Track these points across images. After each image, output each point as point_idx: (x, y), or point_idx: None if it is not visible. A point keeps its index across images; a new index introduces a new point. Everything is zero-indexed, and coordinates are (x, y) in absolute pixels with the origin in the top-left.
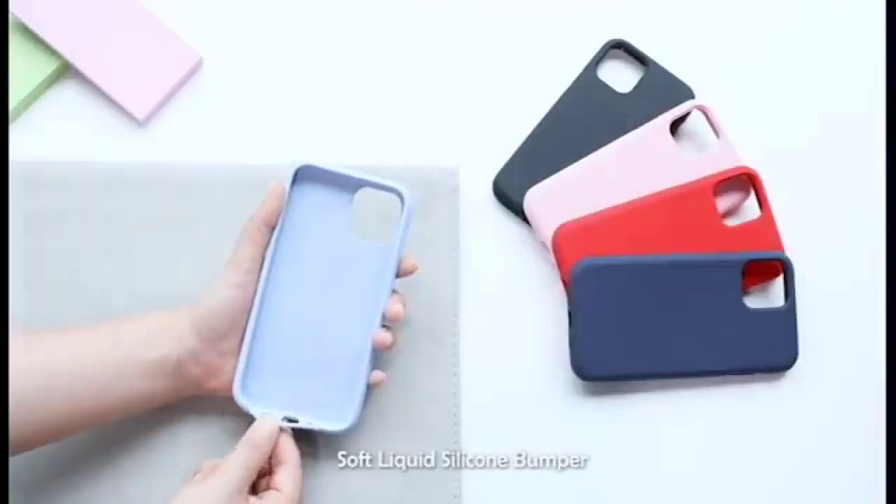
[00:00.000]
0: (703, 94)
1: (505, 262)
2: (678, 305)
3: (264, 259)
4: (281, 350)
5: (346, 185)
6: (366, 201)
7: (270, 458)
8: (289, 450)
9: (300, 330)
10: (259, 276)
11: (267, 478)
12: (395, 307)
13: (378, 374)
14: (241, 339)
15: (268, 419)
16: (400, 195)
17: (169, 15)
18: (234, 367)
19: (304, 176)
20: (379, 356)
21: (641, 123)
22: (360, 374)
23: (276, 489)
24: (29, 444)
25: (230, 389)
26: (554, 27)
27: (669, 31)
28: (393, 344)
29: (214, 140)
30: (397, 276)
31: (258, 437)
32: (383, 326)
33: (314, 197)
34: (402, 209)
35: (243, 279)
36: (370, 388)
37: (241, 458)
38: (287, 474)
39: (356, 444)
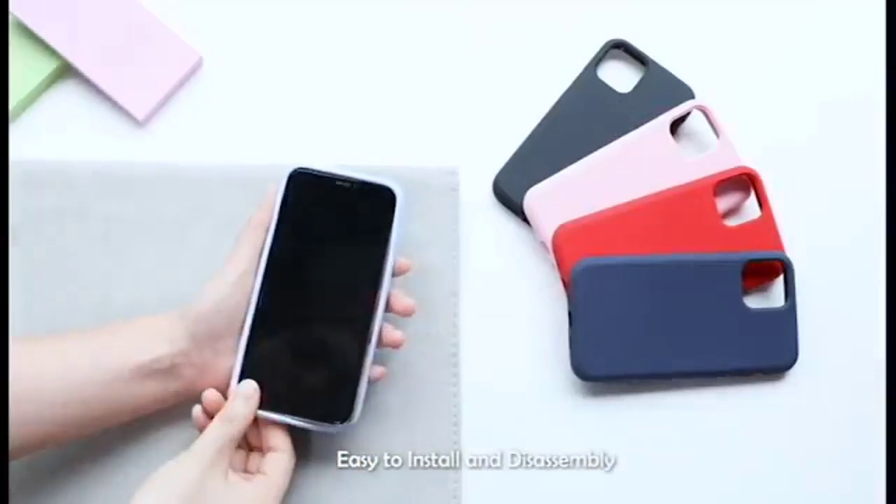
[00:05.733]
0: (703, 94)
1: (505, 262)
2: (678, 305)
3: (260, 260)
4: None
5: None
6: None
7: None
8: (280, 436)
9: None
10: (255, 277)
11: (258, 459)
12: (405, 301)
13: (379, 369)
14: (237, 340)
15: (241, 390)
16: (392, 193)
17: (169, 15)
18: (230, 368)
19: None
20: (379, 352)
21: (641, 123)
22: (361, 372)
23: (263, 473)
24: (24, 451)
25: (226, 391)
26: (554, 27)
27: (669, 31)
28: (403, 341)
29: (214, 140)
30: (393, 274)
31: (231, 411)
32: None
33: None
34: (395, 207)
35: (239, 279)
36: (371, 383)
37: (212, 434)
38: (275, 460)
39: (356, 444)
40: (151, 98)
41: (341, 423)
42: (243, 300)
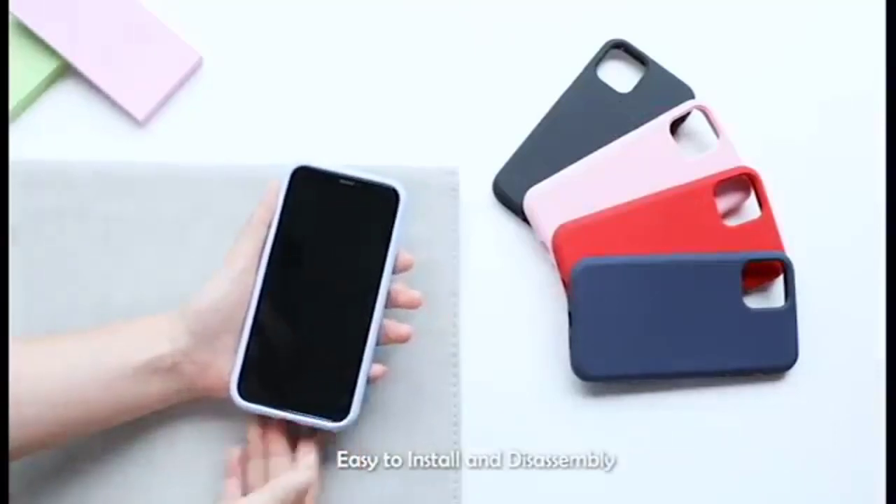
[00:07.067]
0: (703, 94)
1: (505, 262)
2: (678, 305)
3: (261, 257)
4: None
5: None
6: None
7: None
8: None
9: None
10: (255, 274)
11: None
12: (410, 294)
13: (379, 368)
14: (237, 337)
15: (298, 472)
16: (395, 192)
17: (169, 15)
18: (230, 366)
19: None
20: (380, 351)
21: (641, 123)
22: (360, 369)
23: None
24: (25, 451)
25: (227, 389)
26: (554, 27)
27: (669, 31)
28: (411, 334)
29: (214, 140)
30: (394, 272)
31: (283, 490)
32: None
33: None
34: (398, 206)
35: (238, 276)
36: (371, 382)
37: (292, 480)
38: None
39: (356, 444)
40: (151, 98)
41: (340, 420)
42: (242, 298)
